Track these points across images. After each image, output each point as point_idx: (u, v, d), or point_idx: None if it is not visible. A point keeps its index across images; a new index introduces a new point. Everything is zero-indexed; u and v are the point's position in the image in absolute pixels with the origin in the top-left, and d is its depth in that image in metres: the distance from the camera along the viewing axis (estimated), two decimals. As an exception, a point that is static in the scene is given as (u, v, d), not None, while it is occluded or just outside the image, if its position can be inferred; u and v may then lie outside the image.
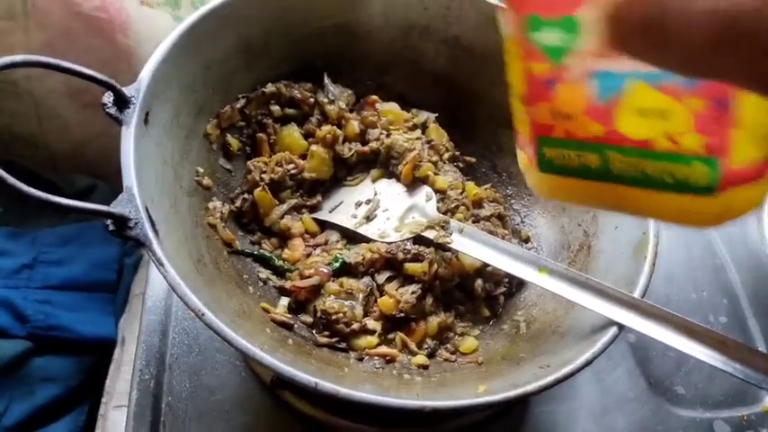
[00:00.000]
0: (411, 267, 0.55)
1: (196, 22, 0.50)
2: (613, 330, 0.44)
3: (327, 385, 0.38)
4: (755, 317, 0.70)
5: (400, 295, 0.54)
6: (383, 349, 0.52)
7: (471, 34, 0.60)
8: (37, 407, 0.70)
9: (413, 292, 0.54)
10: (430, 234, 0.55)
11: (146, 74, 0.45)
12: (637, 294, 0.46)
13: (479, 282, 0.56)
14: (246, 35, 0.55)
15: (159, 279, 0.59)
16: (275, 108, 0.59)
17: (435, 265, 0.55)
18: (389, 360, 0.51)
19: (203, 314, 0.39)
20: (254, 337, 0.41)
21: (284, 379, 0.39)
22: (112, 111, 0.43)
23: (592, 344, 0.43)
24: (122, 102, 0.43)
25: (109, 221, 0.39)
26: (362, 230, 0.58)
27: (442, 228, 0.55)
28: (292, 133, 0.59)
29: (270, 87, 0.59)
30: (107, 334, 0.75)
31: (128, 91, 0.43)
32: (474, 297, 0.56)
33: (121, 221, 0.39)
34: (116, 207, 0.39)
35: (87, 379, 0.75)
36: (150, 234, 0.40)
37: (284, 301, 0.53)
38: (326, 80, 0.61)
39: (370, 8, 0.60)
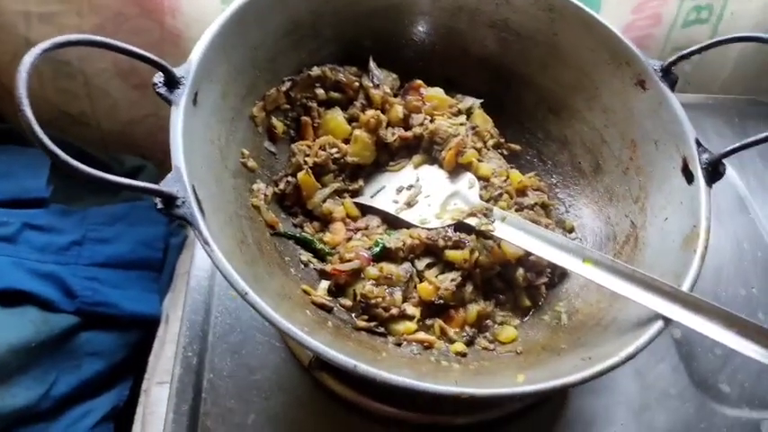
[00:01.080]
0: (451, 254, 0.54)
1: (246, 4, 0.50)
2: (659, 324, 0.43)
3: (366, 368, 0.38)
4: (807, 316, 0.68)
5: (440, 282, 0.54)
6: (421, 335, 0.52)
7: (521, 17, 0.60)
8: (83, 380, 0.72)
9: (452, 280, 0.54)
10: (472, 221, 0.55)
11: (195, 55, 0.46)
12: (685, 289, 0.45)
13: (521, 271, 0.55)
14: (295, 16, 0.55)
15: (203, 258, 0.60)
16: (320, 92, 0.59)
17: (476, 253, 0.54)
18: (427, 346, 0.51)
19: (246, 293, 0.39)
20: (295, 318, 0.41)
21: (324, 360, 0.39)
22: (163, 90, 0.44)
23: (636, 337, 0.43)
24: (172, 82, 0.44)
25: (157, 199, 0.40)
26: (403, 216, 0.57)
27: (485, 215, 0.55)
28: (336, 117, 0.59)
29: (315, 71, 0.59)
30: (151, 311, 0.77)
31: (178, 71, 0.44)
32: (514, 286, 0.56)
33: (169, 200, 0.40)
34: (164, 186, 0.40)
35: (131, 355, 0.77)
36: (197, 213, 0.40)
37: (324, 284, 0.54)
38: (371, 64, 0.60)
39: (419, -9, 0.59)
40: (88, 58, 0.84)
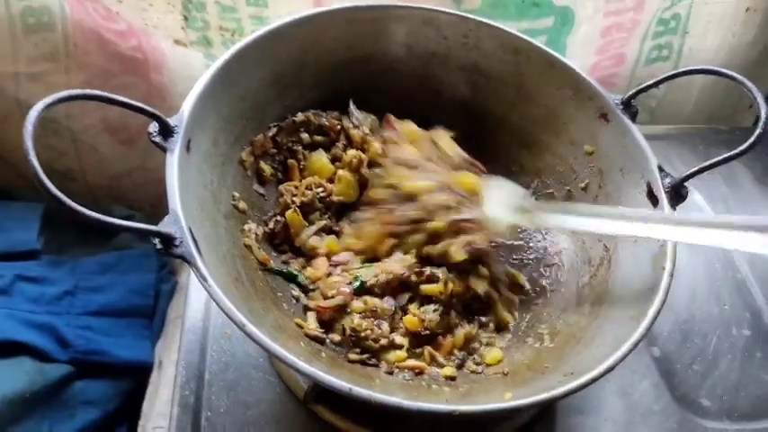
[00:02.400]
0: (427, 289, 0.57)
1: (232, 58, 0.53)
2: (635, 337, 0.45)
3: (361, 390, 0.41)
4: (779, 330, 0.71)
5: (423, 314, 0.56)
6: (412, 362, 0.54)
7: (489, 61, 0.64)
8: (77, 429, 0.72)
9: (435, 310, 0.56)
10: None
11: (187, 105, 0.49)
12: (656, 303, 0.47)
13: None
14: (278, 67, 0.59)
15: (198, 299, 0.62)
16: (304, 136, 0.63)
17: (450, 284, 0.57)
18: (418, 372, 0.53)
19: (245, 325, 0.41)
20: (290, 350, 0.43)
21: (320, 388, 0.41)
22: (158, 139, 0.46)
23: (614, 351, 0.45)
24: (167, 131, 0.46)
25: (156, 240, 0.42)
26: None
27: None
28: (320, 158, 0.63)
29: (300, 116, 0.62)
30: (144, 358, 0.78)
31: (172, 121, 0.47)
32: (492, 303, 0.59)
33: (168, 240, 0.42)
34: (162, 227, 0.42)
35: (125, 402, 0.77)
36: (194, 252, 0.42)
37: (312, 316, 0.55)
38: (351, 106, 0.64)
39: (392, 40, 0.63)
40: (75, 115, 0.86)
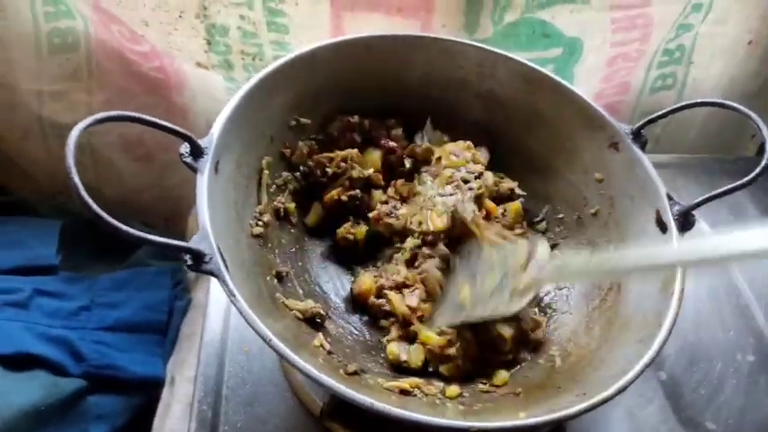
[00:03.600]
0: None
1: (258, 83, 0.56)
2: (646, 359, 0.47)
3: (382, 406, 0.42)
4: (782, 355, 0.72)
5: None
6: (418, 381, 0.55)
7: (503, 88, 0.66)
8: (89, 444, 0.73)
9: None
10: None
11: (216, 128, 0.51)
12: (665, 327, 0.49)
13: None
14: (299, 93, 0.61)
15: (216, 316, 0.64)
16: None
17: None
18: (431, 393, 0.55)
19: (270, 339, 0.43)
20: (311, 365, 0.44)
21: (338, 403, 0.42)
22: (189, 160, 0.48)
23: (624, 373, 0.47)
24: (198, 152, 0.48)
25: (187, 256, 0.44)
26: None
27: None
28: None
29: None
30: (156, 374, 0.79)
31: (202, 143, 0.49)
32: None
33: (198, 256, 0.44)
34: (193, 244, 0.44)
35: (136, 417, 0.78)
36: (223, 268, 0.44)
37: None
38: (428, 125, 0.69)
39: (411, 69, 0.66)
40: (95, 132, 0.88)
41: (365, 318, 0.61)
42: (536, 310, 0.63)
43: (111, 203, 0.95)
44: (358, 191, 0.64)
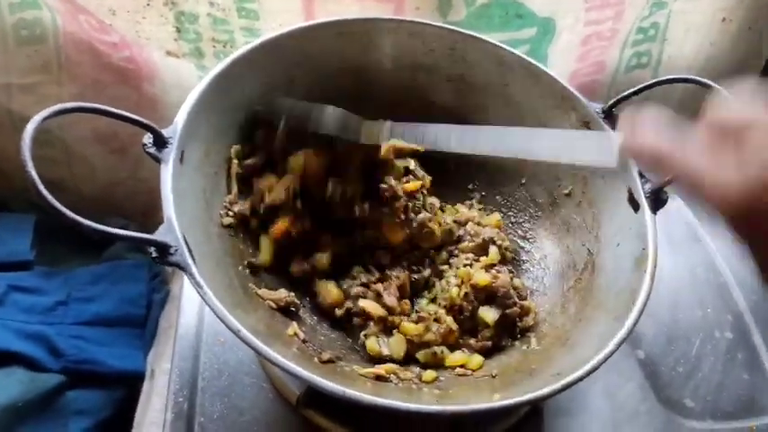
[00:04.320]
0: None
1: (224, 70, 0.55)
2: (619, 337, 0.47)
3: (354, 393, 0.42)
4: (760, 332, 0.73)
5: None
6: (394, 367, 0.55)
7: (475, 71, 0.65)
8: (70, 439, 0.73)
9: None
10: None
11: (180, 117, 0.50)
12: (638, 304, 0.49)
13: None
14: (269, 79, 0.60)
15: (190, 308, 0.63)
16: None
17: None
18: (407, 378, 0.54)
19: (240, 331, 0.42)
20: (284, 355, 0.44)
21: (312, 393, 0.42)
22: (152, 150, 0.47)
23: (597, 352, 0.47)
24: (161, 142, 0.48)
25: (152, 249, 0.43)
26: None
27: None
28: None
29: None
30: (136, 367, 0.78)
31: (166, 132, 0.48)
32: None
33: (163, 249, 0.43)
34: (158, 236, 0.43)
35: (117, 411, 0.78)
36: (189, 260, 0.43)
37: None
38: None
39: (381, 52, 0.65)
40: (68, 126, 0.87)
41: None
42: (527, 293, 0.62)
43: (87, 198, 0.95)
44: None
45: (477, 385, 0.53)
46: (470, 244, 0.63)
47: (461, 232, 0.64)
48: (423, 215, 0.61)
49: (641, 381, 0.66)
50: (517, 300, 0.59)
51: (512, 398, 0.44)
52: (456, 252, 0.63)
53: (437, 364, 0.56)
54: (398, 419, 0.51)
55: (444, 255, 0.64)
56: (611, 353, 0.46)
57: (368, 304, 0.56)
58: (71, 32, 0.77)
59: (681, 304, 0.75)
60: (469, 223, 0.65)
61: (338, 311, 0.57)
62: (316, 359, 0.51)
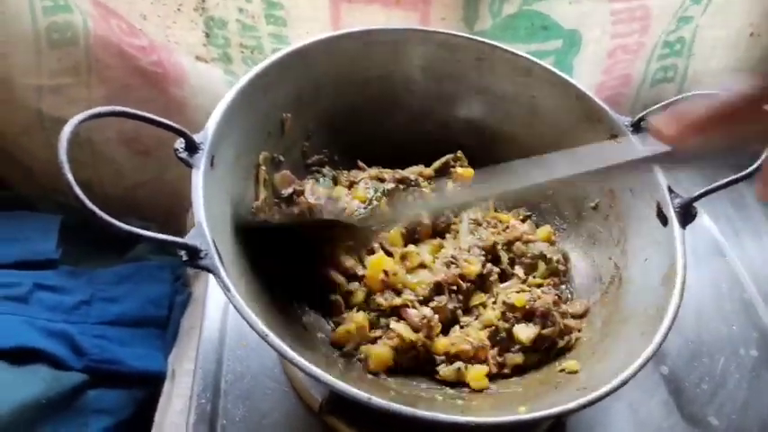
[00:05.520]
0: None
1: (255, 77, 0.55)
2: (646, 354, 0.46)
3: (379, 401, 0.42)
4: (786, 350, 0.72)
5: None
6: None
7: (502, 82, 0.66)
8: (90, 438, 0.74)
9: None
10: None
11: (211, 123, 0.50)
12: (666, 321, 0.49)
13: None
14: (298, 87, 0.60)
15: (214, 311, 0.64)
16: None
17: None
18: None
19: (267, 335, 0.42)
20: (309, 360, 0.44)
21: (337, 398, 0.42)
22: (184, 155, 0.48)
23: (624, 367, 0.46)
24: (192, 147, 0.48)
25: (183, 252, 0.43)
26: None
27: None
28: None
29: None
30: (157, 368, 0.79)
31: (197, 138, 0.48)
32: None
33: (194, 252, 0.43)
34: (189, 239, 0.44)
35: (137, 411, 0.78)
36: (218, 264, 0.44)
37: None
38: None
39: (408, 62, 0.65)
40: (95, 127, 0.88)
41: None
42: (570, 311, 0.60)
43: (111, 199, 0.96)
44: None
45: (500, 397, 0.53)
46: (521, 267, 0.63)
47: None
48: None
49: (665, 397, 0.65)
50: (560, 319, 0.58)
51: (538, 411, 0.43)
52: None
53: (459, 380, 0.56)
54: (421, 430, 0.51)
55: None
56: (639, 369, 0.45)
57: (400, 328, 0.56)
58: (101, 36, 0.79)
59: (705, 320, 0.74)
60: (517, 243, 0.64)
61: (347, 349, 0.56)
62: (340, 366, 0.51)
